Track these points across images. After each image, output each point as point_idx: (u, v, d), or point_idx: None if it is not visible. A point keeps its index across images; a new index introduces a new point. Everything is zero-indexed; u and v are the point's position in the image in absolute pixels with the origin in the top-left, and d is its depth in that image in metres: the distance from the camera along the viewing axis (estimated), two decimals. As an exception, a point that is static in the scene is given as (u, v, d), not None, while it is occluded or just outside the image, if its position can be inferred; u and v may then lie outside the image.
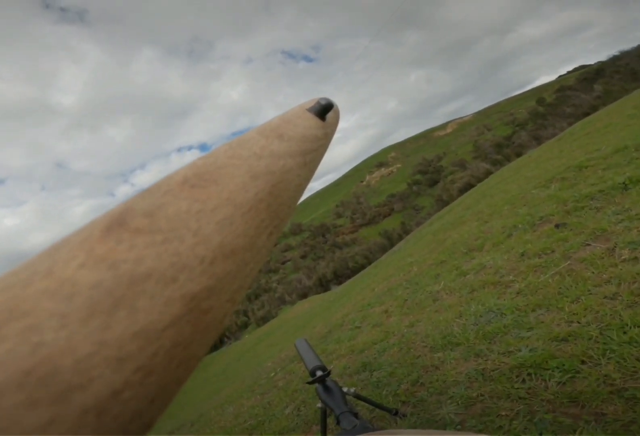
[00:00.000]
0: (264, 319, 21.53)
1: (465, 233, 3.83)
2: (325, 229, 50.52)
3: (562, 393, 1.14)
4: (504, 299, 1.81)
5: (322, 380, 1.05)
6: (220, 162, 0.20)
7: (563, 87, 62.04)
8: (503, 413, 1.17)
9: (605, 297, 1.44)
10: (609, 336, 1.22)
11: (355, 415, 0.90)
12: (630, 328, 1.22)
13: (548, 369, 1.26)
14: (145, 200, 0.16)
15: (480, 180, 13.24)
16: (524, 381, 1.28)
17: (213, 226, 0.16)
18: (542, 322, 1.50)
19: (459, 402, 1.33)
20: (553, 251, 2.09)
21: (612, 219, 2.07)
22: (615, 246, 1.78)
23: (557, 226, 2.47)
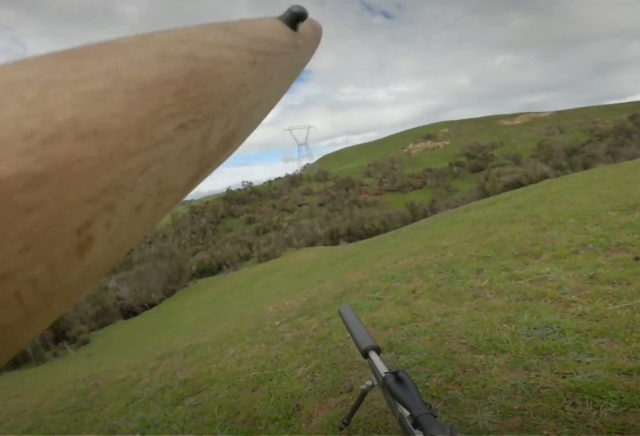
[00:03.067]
0: (267, 257, 22.26)
1: (516, 233, 3.58)
2: (350, 184, 49.88)
3: (612, 423, 1.09)
4: (566, 318, 1.67)
5: (395, 372, 0.89)
6: (122, 42, 0.17)
7: None
8: (544, 432, 1.11)
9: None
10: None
11: (436, 417, 0.75)
12: None
13: (605, 398, 1.19)
14: None
15: (533, 182, 12.34)
16: (575, 405, 1.21)
17: (66, 98, 0.13)
18: (604, 351, 1.40)
19: (497, 411, 1.26)
20: (629, 284, 1.89)
21: None
22: None
23: (637, 258, 2.23)
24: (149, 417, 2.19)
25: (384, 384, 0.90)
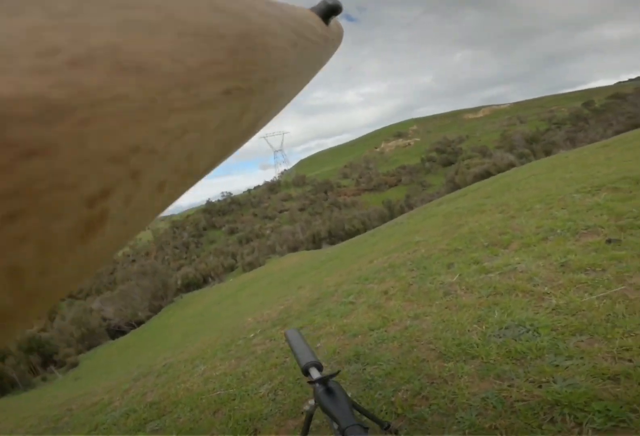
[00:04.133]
0: (251, 266, 21.91)
1: (485, 223, 3.46)
2: (328, 187, 49.88)
3: None
4: (539, 314, 1.50)
5: (325, 381, 0.84)
6: None
7: (618, 94, 57.04)
8: None
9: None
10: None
11: (366, 429, 0.72)
12: None
13: (588, 412, 1.00)
14: None
15: (501, 171, 12.57)
16: (553, 421, 1.02)
17: (108, 20, 0.10)
18: (585, 351, 1.22)
19: (466, 431, 1.07)
20: (604, 270, 1.75)
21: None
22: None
23: (609, 241, 2.10)
24: None
25: (314, 395, 0.84)
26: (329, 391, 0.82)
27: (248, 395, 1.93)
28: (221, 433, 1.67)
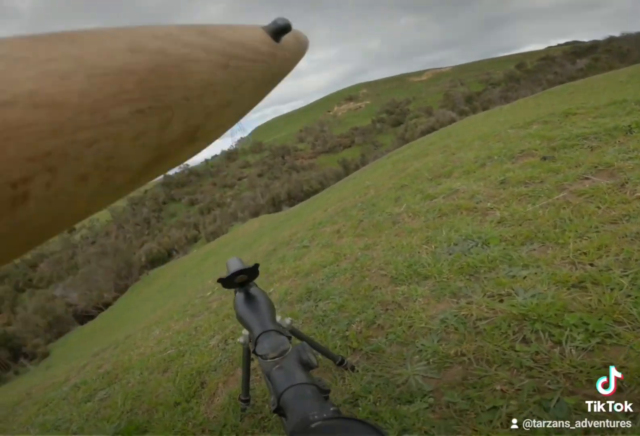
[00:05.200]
0: (214, 235, 21.03)
1: (429, 162, 3.36)
2: (285, 151, 48.33)
3: (589, 365, 0.73)
4: (485, 227, 1.38)
5: (242, 284, 0.68)
6: (100, 32, 0.18)
7: (548, 57, 59.24)
8: (497, 388, 0.75)
9: (624, 236, 1.04)
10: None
11: (289, 338, 0.57)
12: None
13: (564, 327, 0.83)
14: None
15: (444, 126, 12.72)
16: (526, 341, 0.85)
17: (30, 74, 0.14)
18: (540, 259, 1.09)
19: (430, 360, 0.91)
20: (542, 181, 1.66)
21: (617, 156, 1.64)
22: (626, 182, 1.37)
23: (544, 158, 2.04)
24: (51, 419, 1.83)
25: (233, 306, 0.68)
26: (249, 297, 0.65)
27: (198, 348, 1.75)
28: (167, 392, 1.45)
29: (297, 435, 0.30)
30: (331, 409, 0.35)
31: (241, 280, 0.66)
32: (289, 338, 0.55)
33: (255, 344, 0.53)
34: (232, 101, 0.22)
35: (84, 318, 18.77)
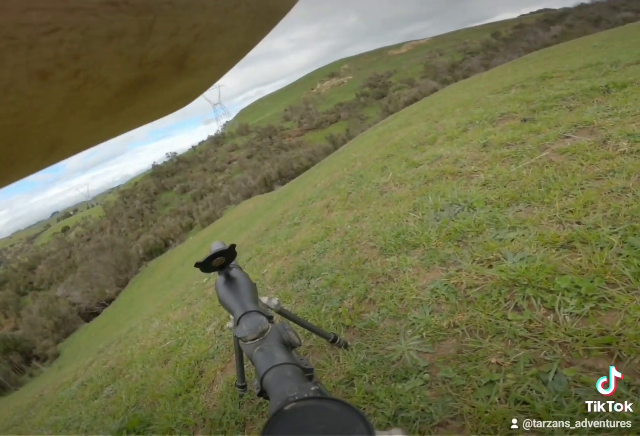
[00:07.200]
0: (209, 220, 20.71)
1: (413, 131, 3.28)
2: (272, 131, 47.04)
3: (585, 333, 0.69)
4: (470, 190, 1.35)
5: (222, 267, 0.62)
6: None
7: (522, 25, 57.54)
8: (493, 361, 0.73)
9: (609, 192, 1.01)
10: (635, 246, 0.78)
11: (270, 318, 0.53)
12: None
13: (556, 291, 0.79)
14: None
15: (426, 95, 12.39)
16: (518, 308, 0.81)
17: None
18: (527, 220, 1.06)
19: (424, 334, 0.87)
20: (523, 142, 1.62)
21: (597, 114, 1.60)
22: (607, 139, 1.33)
23: (524, 120, 1.99)
24: (62, 420, 1.81)
25: (215, 290, 0.63)
26: (229, 279, 0.60)
27: (195, 336, 1.73)
28: (168, 383, 1.43)
29: (271, 418, 0.28)
30: (312, 388, 0.32)
31: (219, 263, 0.61)
32: (270, 317, 0.52)
33: (236, 327, 0.50)
34: (224, 29, 0.19)
35: (89, 315, 18.81)
